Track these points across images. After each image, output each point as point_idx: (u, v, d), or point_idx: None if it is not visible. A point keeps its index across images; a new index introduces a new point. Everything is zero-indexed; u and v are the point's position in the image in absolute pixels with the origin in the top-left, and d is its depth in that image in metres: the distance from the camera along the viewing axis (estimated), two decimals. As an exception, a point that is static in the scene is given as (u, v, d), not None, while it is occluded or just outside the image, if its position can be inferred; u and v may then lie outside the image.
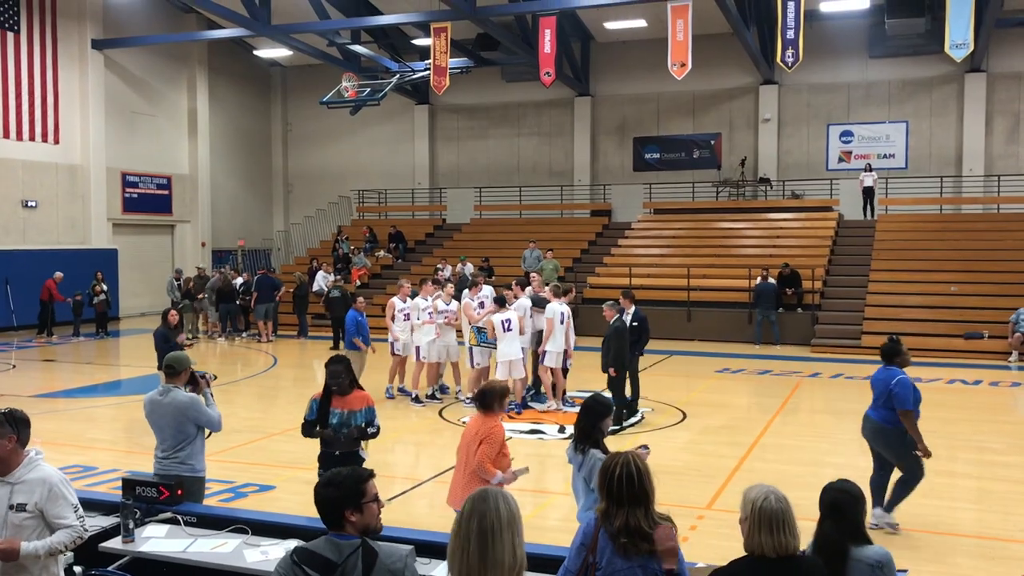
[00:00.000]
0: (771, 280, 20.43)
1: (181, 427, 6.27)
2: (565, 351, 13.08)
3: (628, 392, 12.21)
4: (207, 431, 6.44)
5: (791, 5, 19.59)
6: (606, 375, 11.52)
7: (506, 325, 12.59)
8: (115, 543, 5.30)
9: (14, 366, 17.82)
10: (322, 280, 24.95)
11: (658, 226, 26.59)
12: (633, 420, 12.23)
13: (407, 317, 13.90)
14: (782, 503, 3.49)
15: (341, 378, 6.60)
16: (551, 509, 8.47)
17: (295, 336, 22.29)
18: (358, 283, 25.56)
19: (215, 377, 6.84)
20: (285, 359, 18.92)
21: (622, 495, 3.69)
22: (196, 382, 6.37)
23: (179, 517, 5.64)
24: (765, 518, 3.45)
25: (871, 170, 24.76)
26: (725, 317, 21.07)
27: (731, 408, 13.52)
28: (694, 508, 8.18)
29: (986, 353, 18.19)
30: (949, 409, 13.36)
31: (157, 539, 5.41)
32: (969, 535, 7.72)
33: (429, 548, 5.01)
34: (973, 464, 10.30)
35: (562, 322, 12.86)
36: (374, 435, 6.70)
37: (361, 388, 6.87)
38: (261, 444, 10.90)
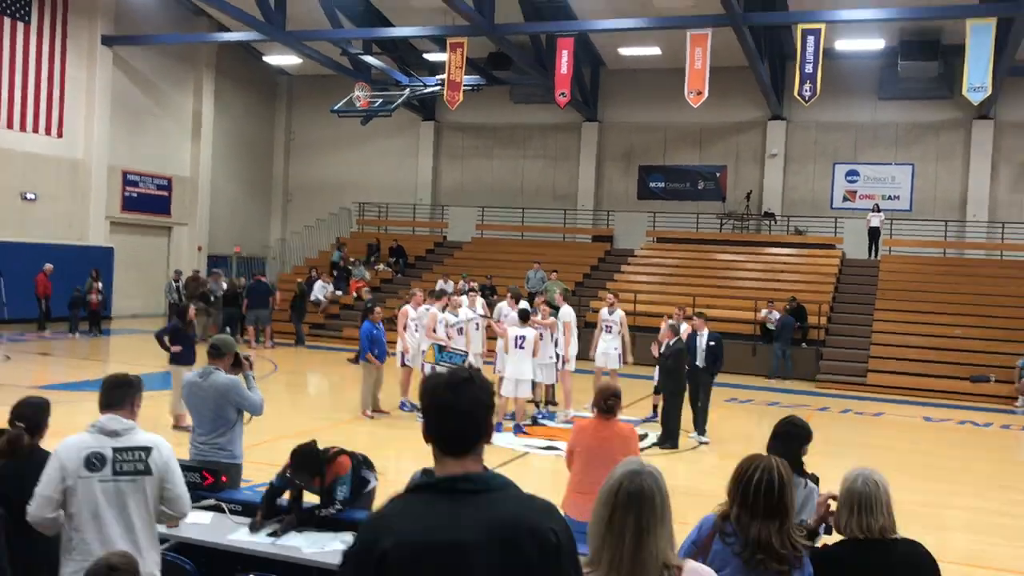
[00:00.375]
0: (789, 315, 20.35)
1: (220, 411, 6.03)
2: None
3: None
4: (247, 416, 6.20)
5: (811, 39, 19.66)
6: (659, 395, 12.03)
7: (519, 342, 12.38)
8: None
9: (8, 357, 17.40)
10: (320, 291, 24.70)
11: (660, 255, 26.50)
12: (647, 442, 12.04)
13: (418, 328, 13.66)
14: (869, 485, 3.52)
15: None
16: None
17: (292, 345, 21.98)
18: (355, 296, 25.27)
19: (251, 365, 6.56)
20: (284, 366, 18.61)
21: (758, 505, 3.35)
22: (240, 364, 6.14)
23: (223, 505, 5.38)
24: (852, 499, 3.52)
25: (879, 211, 24.79)
26: (731, 348, 20.71)
27: (749, 437, 13.26)
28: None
29: (992, 397, 18.11)
30: (966, 448, 13.26)
31: (201, 525, 5.15)
32: (1009, 570, 7.53)
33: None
34: (1001, 502, 10.12)
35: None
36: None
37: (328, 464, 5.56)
38: (274, 444, 10.58)
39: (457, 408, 2.37)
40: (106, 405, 4.02)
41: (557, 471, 10.04)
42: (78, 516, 3.84)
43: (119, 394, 4.04)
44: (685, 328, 12.64)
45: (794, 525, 3.41)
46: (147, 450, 3.94)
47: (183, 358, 11.02)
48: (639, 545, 2.55)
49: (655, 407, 13.74)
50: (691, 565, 2.66)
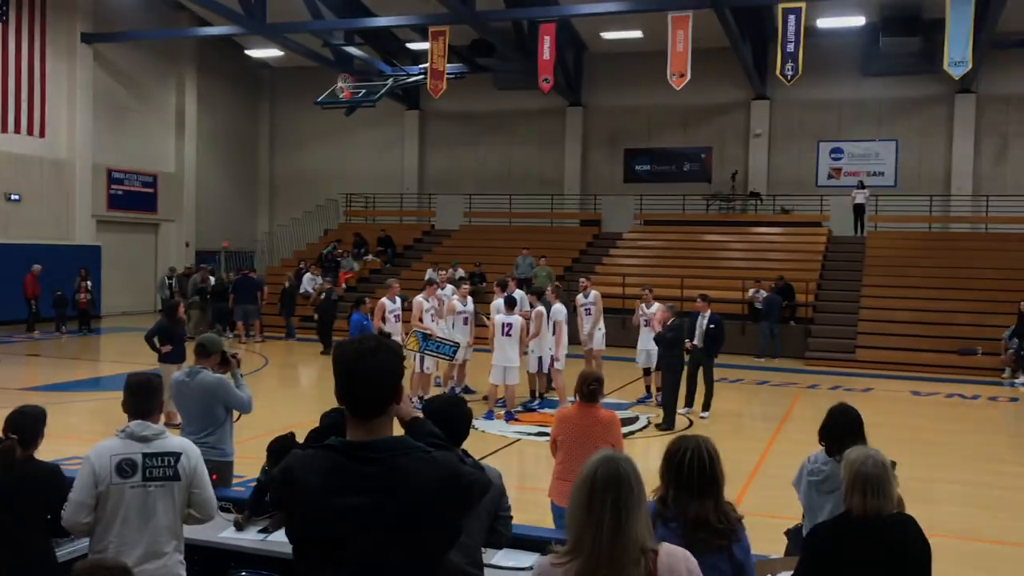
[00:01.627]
0: (775, 294, 20.43)
1: (209, 409, 6.07)
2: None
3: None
4: (236, 414, 6.24)
5: (791, 18, 19.65)
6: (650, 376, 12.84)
7: (506, 329, 12.46)
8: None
9: (-3, 360, 17.39)
10: (308, 283, 24.68)
11: (648, 237, 26.57)
12: (639, 425, 12.15)
13: (397, 319, 13.67)
14: (878, 468, 3.57)
15: None
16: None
17: (283, 338, 21.99)
18: (344, 287, 25.31)
19: (239, 363, 6.58)
20: (274, 360, 18.62)
21: (692, 484, 3.41)
22: (227, 362, 6.17)
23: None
24: (860, 480, 3.55)
25: (863, 187, 24.88)
26: (719, 328, 20.96)
27: (737, 416, 13.43)
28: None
29: (979, 369, 18.24)
30: (954, 422, 13.38)
31: (193, 524, 5.18)
32: (1000, 542, 7.64)
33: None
34: (990, 474, 10.23)
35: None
36: None
37: None
38: (266, 439, 10.61)
39: (363, 375, 2.50)
40: (138, 412, 4.07)
41: (549, 456, 10.12)
42: (108, 519, 3.93)
43: (150, 403, 4.12)
44: (655, 310, 12.82)
45: (724, 500, 3.47)
46: (176, 456, 4.03)
47: (172, 356, 11.02)
48: (619, 528, 2.57)
49: (648, 388, 13.88)
50: (667, 548, 2.69)
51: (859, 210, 24.80)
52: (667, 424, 11.87)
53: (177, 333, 11.30)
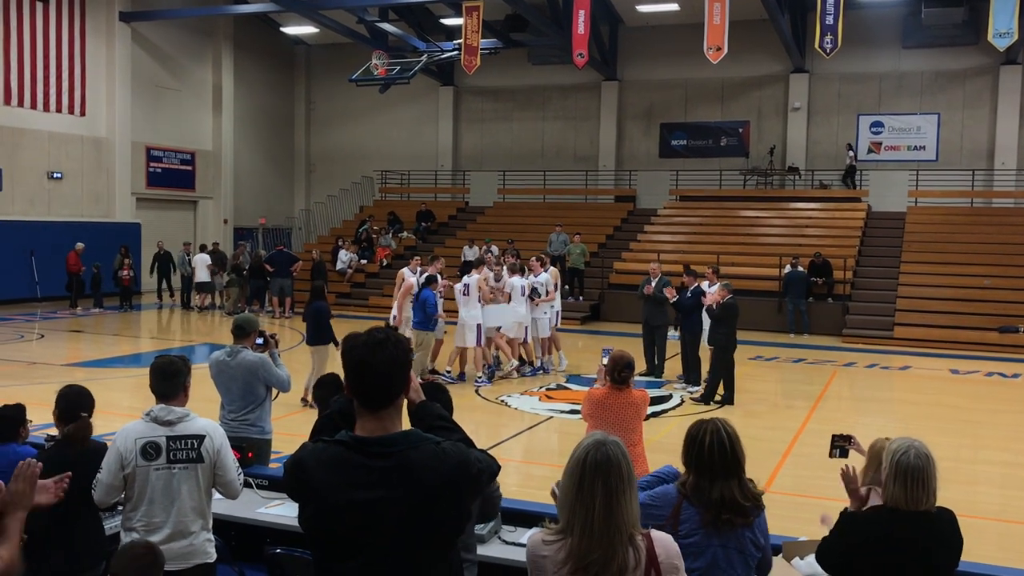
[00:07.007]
0: (800, 268, 20.23)
1: (250, 388, 6.17)
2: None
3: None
4: (275, 392, 6.34)
5: (831, -10, 19.33)
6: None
7: (465, 290, 13.22)
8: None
9: (42, 336, 17.73)
10: (344, 259, 24.86)
11: (684, 213, 26.36)
12: (672, 403, 12.15)
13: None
14: (921, 459, 3.47)
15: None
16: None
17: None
18: (382, 263, 25.49)
19: (277, 343, 6.67)
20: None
21: (715, 466, 3.42)
22: (267, 342, 6.26)
23: (251, 480, 5.52)
24: (902, 471, 3.46)
25: (851, 149, 25.76)
26: (755, 305, 20.67)
27: (771, 395, 13.37)
28: (753, 489, 8.02)
29: (1021, 348, 17.94)
30: (994, 401, 13.21)
31: (229, 500, 5.28)
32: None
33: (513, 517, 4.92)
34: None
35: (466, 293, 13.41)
36: None
37: None
38: (305, 416, 10.77)
39: (372, 367, 2.53)
40: (159, 395, 4.17)
41: (581, 434, 10.15)
42: (136, 500, 4.07)
43: (171, 385, 4.18)
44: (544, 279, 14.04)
45: (747, 479, 3.49)
46: (200, 438, 4.11)
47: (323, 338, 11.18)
48: (610, 510, 2.65)
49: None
50: (656, 534, 2.77)
51: (851, 171, 25.61)
52: (727, 399, 11.88)
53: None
